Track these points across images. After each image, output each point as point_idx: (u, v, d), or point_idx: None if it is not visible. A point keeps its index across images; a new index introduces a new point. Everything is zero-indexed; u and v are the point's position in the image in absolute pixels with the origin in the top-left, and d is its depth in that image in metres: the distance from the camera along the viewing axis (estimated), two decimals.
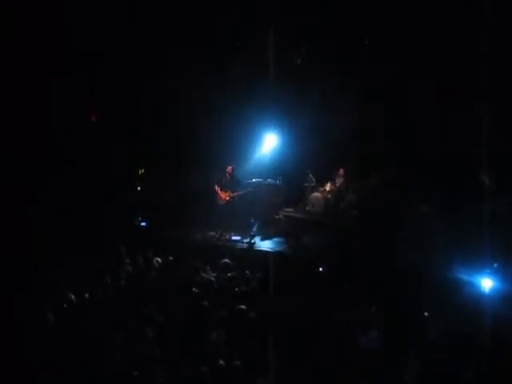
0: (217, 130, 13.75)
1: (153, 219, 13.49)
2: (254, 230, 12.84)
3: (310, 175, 13.66)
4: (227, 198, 12.71)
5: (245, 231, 12.77)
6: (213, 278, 9.71)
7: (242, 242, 12.41)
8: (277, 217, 13.38)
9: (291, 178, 13.96)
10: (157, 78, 13.36)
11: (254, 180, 13.73)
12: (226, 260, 10.49)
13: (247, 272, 10.00)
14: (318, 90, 13.46)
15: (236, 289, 9.41)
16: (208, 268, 10.35)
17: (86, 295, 9.12)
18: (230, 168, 12.78)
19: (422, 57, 11.88)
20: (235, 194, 12.67)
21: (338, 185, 13.58)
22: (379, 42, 12.60)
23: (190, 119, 13.90)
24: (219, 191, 12.75)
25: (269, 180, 13.83)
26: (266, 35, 12.57)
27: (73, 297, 8.97)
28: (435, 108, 11.77)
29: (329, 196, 13.37)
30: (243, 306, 8.52)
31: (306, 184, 13.67)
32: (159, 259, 10.57)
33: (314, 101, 13.48)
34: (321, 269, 10.60)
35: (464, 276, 9.28)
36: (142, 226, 13.53)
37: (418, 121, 12.16)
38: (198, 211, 13.40)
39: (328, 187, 13.54)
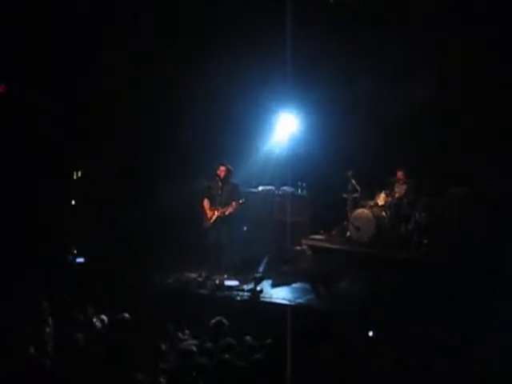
0: (202, 109, 14.02)
1: (96, 253, 13.36)
2: (262, 269, 12.80)
3: (353, 180, 13.77)
4: (213, 218, 12.55)
5: (246, 272, 12.65)
6: (193, 348, 9.09)
7: (242, 290, 12.17)
8: (298, 248, 13.51)
9: (321, 184, 14.17)
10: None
11: (260, 188, 13.92)
12: (219, 318, 9.77)
13: (248, 338, 9.44)
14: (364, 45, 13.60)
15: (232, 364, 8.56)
16: (187, 332, 9.96)
17: None
18: (222, 169, 12.51)
19: None
20: (223, 210, 12.49)
21: (397, 196, 13.64)
22: None
23: (158, 92, 14.22)
24: (207, 208, 12.61)
25: (285, 188, 13.94)
26: None
27: None
28: None
29: (383, 214, 13.49)
30: None
31: (345, 195, 13.85)
32: (104, 317, 9.97)
33: (358, 63, 13.65)
34: (371, 333, 10.32)
35: None
36: (78, 263, 13.37)
37: None
38: (169, 240, 13.53)
39: (381, 200, 13.62)
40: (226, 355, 8.77)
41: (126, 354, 8.90)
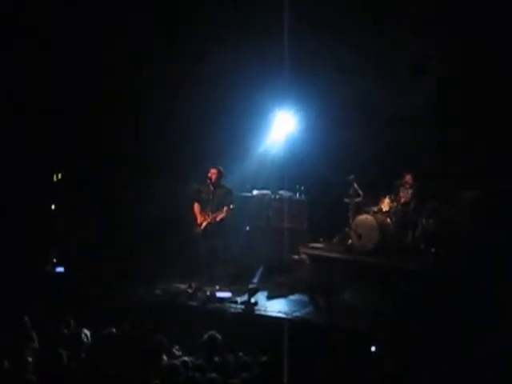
0: (193, 108, 14.19)
1: (77, 262, 13.43)
2: (256, 280, 12.75)
3: (355, 184, 13.80)
4: (204, 224, 12.56)
5: (239, 283, 12.68)
6: (177, 363, 8.93)
7: (235, 303, 12.15)
8: (296, 257, 13.34)
9: (321, 188, 14.20)
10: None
11: (255, 192, 14.06)
12: (212, 333, 9.69)
13: (241, 354, 9.36)
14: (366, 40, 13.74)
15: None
16: (177, 348, 9.86)
17: None
18: (213, 172, 12.52)
19: None
20: (214, 216, 12.53)
21: (402, 201, 13.66)
22: None
23: (145, 89, 14.42)
24: (198, 213, 12.62)
25: (281, 192, 14.04)
26: None
27: None
28: None
29: (387, 220, 13.47)
30: None
31: (346, 199, 13.86)
32: (87, 332, 9.86)
33: (359, 59, 13.74)
34: (374, 348, 10.32)
35: None
36: (59, 272, 13.39)
37: None
38: (157, 248, 13.68)
39: (386, 205, 13.65)
40: (215, 374, 8.64)
41: (112, 371, 8.84)
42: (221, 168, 12.53)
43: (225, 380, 8.63)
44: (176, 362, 9.17)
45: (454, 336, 10.25)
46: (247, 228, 13.71)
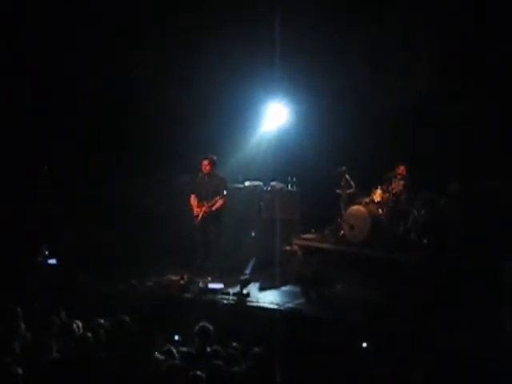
0: (184, 100, 14.15)
1: (69, 253, 13.35)
2: (248, 272, 12.75)
3: (347, 175, 13.73)
4: (200, 215, 12.63)
5: (231, 274, 12.65)
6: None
7: (228, 294, 12.14)
8: (288, 248, 13.48)
9: (313, 179, 14.16)
10: None
11: (247, 183, 13.91)
12: (203, 324, 9.60)
13: (235, 344, 9.35)
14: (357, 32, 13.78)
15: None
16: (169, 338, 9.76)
17: None
18: (205, 163, 12.63)
19: None
20: (209, 205, 12.60)
21: (394, 192, 13.65)
22: None
23: (136, 84, 14.52)
24: (195, 205, 12.70)
25: (273, 183, 14.02)
26: None
27: None
28: None
29: (379, 211, 13.43)
30: None
31: (338, 190, 13.81)
32: (79, 323, 9.68)
33: (351, 50, 13.89)
34: (365, 344, 10.28)
35: None
36: (50, 264, 13.29)
37: None
38: (149, 240, 13.65)
39: (378, 196, 13.58)
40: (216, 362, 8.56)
41: (101, 363, 8.75)
42: (213, 157, 12.63)
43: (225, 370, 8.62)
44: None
45: (445, 329, 10.27)
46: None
